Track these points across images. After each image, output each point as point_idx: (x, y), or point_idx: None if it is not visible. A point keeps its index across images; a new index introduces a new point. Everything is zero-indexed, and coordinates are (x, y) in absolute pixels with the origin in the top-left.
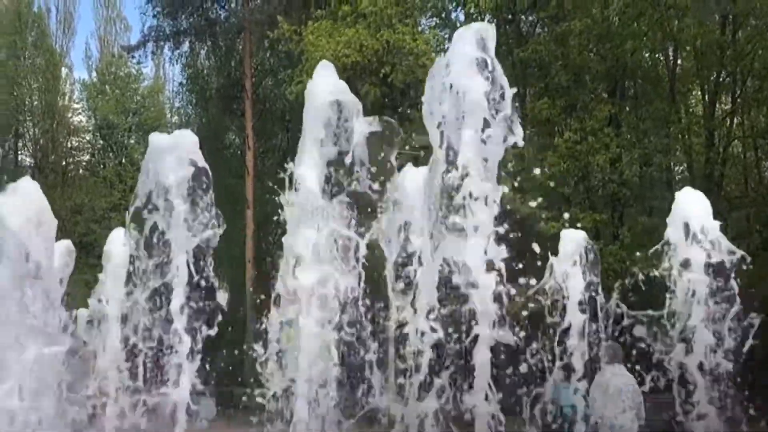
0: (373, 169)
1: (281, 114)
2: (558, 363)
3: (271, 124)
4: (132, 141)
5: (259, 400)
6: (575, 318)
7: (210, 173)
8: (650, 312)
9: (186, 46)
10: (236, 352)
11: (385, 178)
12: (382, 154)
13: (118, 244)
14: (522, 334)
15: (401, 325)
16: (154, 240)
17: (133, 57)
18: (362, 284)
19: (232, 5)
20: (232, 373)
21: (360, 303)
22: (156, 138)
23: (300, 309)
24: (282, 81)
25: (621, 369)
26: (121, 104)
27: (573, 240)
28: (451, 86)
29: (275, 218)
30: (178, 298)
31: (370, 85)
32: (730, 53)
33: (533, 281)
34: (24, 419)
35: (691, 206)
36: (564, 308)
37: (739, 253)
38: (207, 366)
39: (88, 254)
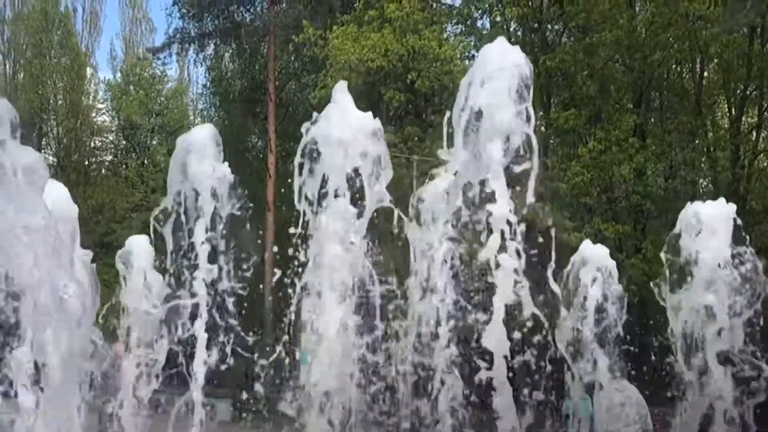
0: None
1: (304, 118)
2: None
3: (294, 128)
4: (155, 142)
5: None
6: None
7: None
8: None
9: (211, 49)
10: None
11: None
12: None
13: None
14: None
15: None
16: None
17: (157, 58)
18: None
19: (258, 8)
20: (248, 377)
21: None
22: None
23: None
24: (305, 85)
25: (624, 384)
26: (144, 105)
27: (593, 255)
28: None
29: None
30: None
31: (395, 91)
32: (757, 66)
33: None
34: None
35: None
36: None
37: None
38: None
39: (108, 253)
